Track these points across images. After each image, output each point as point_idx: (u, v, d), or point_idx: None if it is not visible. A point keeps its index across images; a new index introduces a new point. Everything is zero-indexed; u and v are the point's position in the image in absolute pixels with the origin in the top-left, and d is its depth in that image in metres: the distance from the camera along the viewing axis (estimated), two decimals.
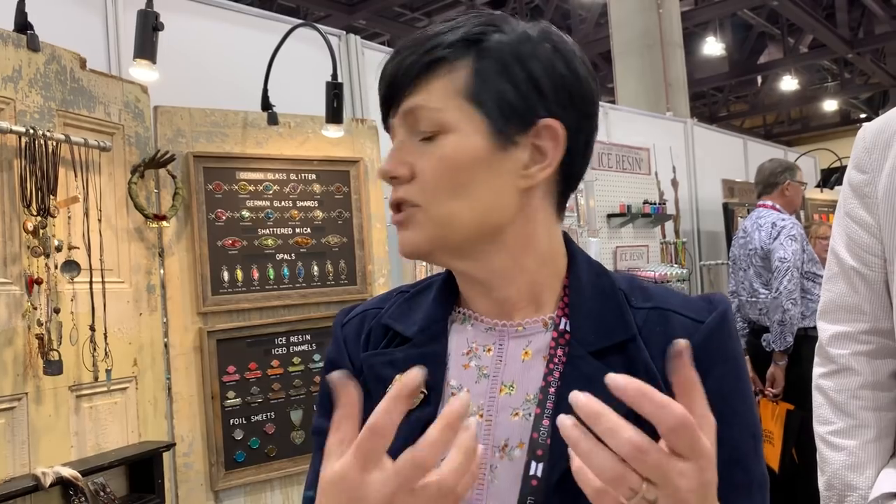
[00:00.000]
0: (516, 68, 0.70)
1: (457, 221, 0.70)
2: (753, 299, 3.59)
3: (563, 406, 0.66)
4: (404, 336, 0.77)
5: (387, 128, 0.77)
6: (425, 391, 0.73)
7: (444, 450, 0.53)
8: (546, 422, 0.69)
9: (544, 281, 0.75)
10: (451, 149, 0.70)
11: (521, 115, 0.70)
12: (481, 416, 0.72)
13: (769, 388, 3.49)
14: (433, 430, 0.53)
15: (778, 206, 3.62)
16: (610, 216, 3.96)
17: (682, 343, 0.51)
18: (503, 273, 0.74)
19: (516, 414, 0.72)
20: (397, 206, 0.73)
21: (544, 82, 0.70)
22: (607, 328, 0.72)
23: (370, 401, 0.70)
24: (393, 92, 0.73)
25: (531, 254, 0.74)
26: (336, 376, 0.55)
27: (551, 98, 0.71)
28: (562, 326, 0.73)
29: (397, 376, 0.70)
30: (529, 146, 0.71)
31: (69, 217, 1.93)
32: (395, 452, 0.68)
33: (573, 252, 0.77)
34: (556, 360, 0.72)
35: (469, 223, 0.71)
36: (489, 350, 0.75)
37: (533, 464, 0.68)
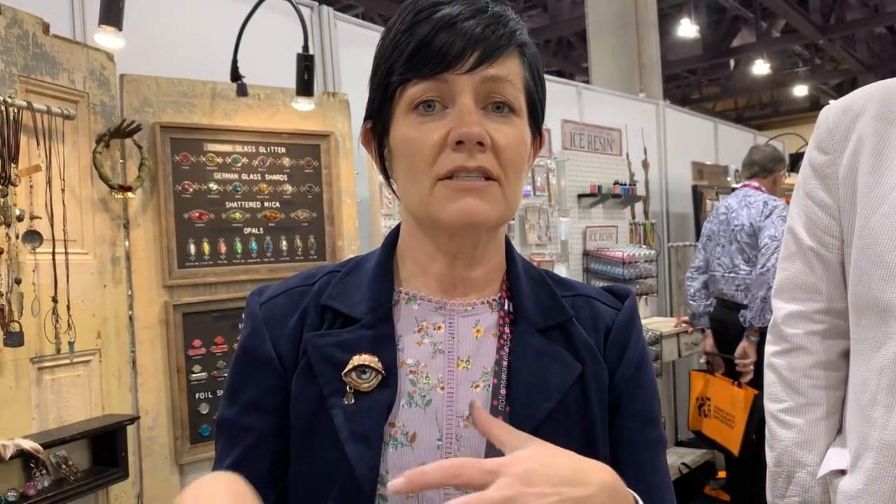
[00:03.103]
0: (541, 87, 0.79)
1: (516, 204, 0.76)
2: (731, 275, 3.64)
3: (517, 376, 0.76)
4: (349, 316, 0.77)
5: (416, 75, 0.71)
6: (383, 372, 0.74)
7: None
8: (503, 391, 0.75)
9: (501, 266, 0.83)
10: (525, 133, 0.75)
11: (539, 126, 0.80)
12: (442, 388, 0.76)
13: (739, 361, 3.55)
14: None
15: (764, 189, 3.70)
16: (580, 196, 3.99)
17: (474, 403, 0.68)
18: (487, 256, 0.80)
19: (477, 386, 0.76)
20: (475, 174, 0.71)
21: (544, 99, 0.80)
22: (547, 310, 0.80)
23: (314, 382, 0.75)
24: (474, 51, 0.70)
25: (502, 241, 0.83)
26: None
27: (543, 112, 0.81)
28: (506, 307, 0.80)
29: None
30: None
31: (31, 186, 1.89)
32: (365, 431, 0.73)
33: (508, 242, 0.85)
34: (506, 337, 0.78)
35: (517, 208, 0.77)
36: (439, 328, 0.78)
37: None
